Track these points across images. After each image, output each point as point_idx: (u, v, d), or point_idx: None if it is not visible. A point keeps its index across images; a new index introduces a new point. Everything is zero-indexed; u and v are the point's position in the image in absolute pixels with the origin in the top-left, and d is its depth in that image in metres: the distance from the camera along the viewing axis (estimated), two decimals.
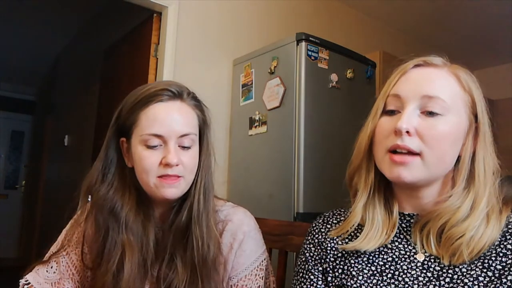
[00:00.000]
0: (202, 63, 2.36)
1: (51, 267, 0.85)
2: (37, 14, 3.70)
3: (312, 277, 0.76)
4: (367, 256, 0.71)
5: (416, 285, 0.65)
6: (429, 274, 0.65)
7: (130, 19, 2.60)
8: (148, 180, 0.80)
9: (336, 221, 0.80)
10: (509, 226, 0.65)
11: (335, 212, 0.83)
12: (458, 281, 0.63)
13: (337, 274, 0.73)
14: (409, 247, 0.70)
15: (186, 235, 0.82)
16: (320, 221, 0.82)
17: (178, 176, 0.80)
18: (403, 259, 0.69)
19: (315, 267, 0.76)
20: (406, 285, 0.66)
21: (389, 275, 0.68)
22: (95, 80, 3.22)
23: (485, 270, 0.62)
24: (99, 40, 3.35)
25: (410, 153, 0.65)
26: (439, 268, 0.65)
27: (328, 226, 0.80)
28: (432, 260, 0.67)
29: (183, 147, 0.81)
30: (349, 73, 2.14)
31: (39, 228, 4.52)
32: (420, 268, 0.67)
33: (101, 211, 0.82)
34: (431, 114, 0.66)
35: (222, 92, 2.41)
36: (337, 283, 0.73)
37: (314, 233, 0.80)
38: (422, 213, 0.70)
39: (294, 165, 1.91)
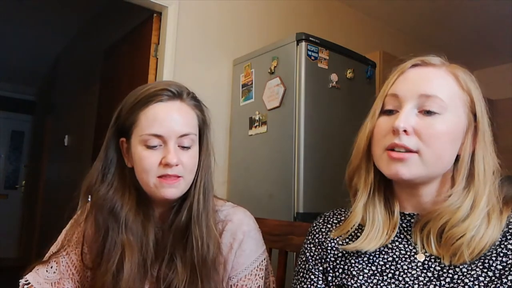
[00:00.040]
0: (202, 63, 2.36)
1: (51, 267, 0.85)
2: (37, 14, 3.71)
3: (312, 276, 0.76)
4: (367, 256, 0.71)
5: (417, 285, 0.65)
6: (429, 274, 0.65)
7: (130, 19, 2.60)
8: (148, 180, 0.80)
9: (336, 221, 0.80)
10: (510, 226, 0.65)
11: (335, 212, 0.83)
12: (459, 281, 0.63)
13: (337, 273, 0.73)
14: (410, 247, 0.70)
15: (186, 235, 0.82)
16: (321, 220, 0.82)
17: (178, 176, 0.80)
18: (403, 259, 0.69)
19: (316, 267, 0.76)
20: (407, 285, 0.66)
21: (390, 275, 0.68)
22: (95, 80, 3.22)
23: (485, 270, 0.62)
24: (99, 40, 3.35)
25: (408, 151, 0.66)
26: (439, 268, 0.65)
27: (329, 226, 0.80)
28: (433, 260, 0.67)
29: (183, 147, 0.81)
30: (349, 73, 2.14)
31: (39, 228, 4.52)
32: (421, 268, 0.67)
33: (101, 211, 0.82)
34: (428, 113, 0.66)
35: (222, 92, 2.41)
36: (337, 283, 0.73)
37: (315, 233, 0.80)
38: (422, 213, 0.70)
39: (294, 165, 1.91)
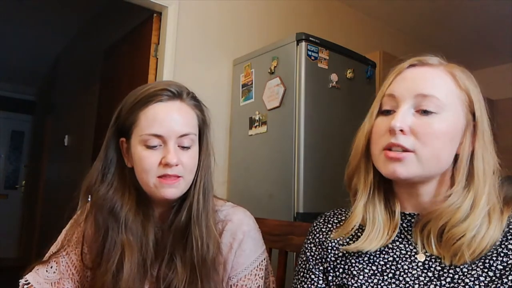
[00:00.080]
0: (202, 63, 2.36)
1: (51, 267, 0.85)
2: (37, 14, 3.71)
3: (313, 276, 0.76)
4: (368, 255, 0.71)
5: (417, 285, 0.65)
6: (430, 274, 0.65)
7: (130, 19, 2.60)
8: (148, 180, 0.80)
9: (337, 221, 0.80)
10: (511, 226, 0.65)
11: (336, 211, 0.83)
12: (459, 281, 0.63)
13: (338, 273, 0.73)
14: (410, 246, 0.70)
15: (186, 235, 0.82)
16: (321, 220, 0.82)
17: (178, 176, 0.80)
18: (404, 258, 0.69)
19: (316, 267, 0.76)
20: (407, 285, 0.66)
21: (390, 275, 0.68)
22: (95, 80, 3.22)
23: (486, 270, 0.62)
24: (99, 40, 3.35)
25: (405, 150, 0.66)
26: (440, 268, 0.65)
27: (329, 225, 0.80)
28: (433, 260, 0.67)
29: (183, 147, 0.81)
30: (349, 73, 2.14)
31: (39, 228, 4.52)
32: (421, 268, 0.67)
33: (100, 211, 0.82)
34: (425, 112, 0.66)
35: (222, 92, 2.41)
36: (338, 283, 0.73)
37: (315, 233, 0.80)
38: (423, 213, 0.70)
39: (294, 165, 1.91)
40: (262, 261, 0.88)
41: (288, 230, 1.04)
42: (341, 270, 0.73)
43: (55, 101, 4.71)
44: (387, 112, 0.71)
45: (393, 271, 0.68)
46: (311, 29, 2.16)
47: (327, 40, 2.09)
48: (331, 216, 0.82)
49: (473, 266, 0.63)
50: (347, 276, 0.71)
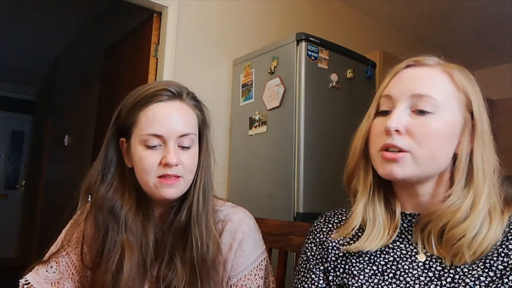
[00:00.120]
0: (202, 63, 2.36)
1: (51, 267, 0.85)
2: (37, 14, 3.71)
3: (313, 276, 0.76)
4: (368, 255, 0.71)
5: (418, 285, 0.65)
6: (430, 274, 0.65)
7: (130, 19, 2.60)
8: (148, 180, 0.80)
9: (337, 221, 0.80)
10: (511, 227, 0.65)
11: (336, 211, 0.83)
12: (460, 281, 0.63)
13: (338, 273, 0.73)
14: (411, 247, 0.70)
15: (186, 235, 0.82)
16: (322, 220, 0.82)
17: (178, 176, 0.80)
18: (404, 258, 0.69)
19: (316, 266, 0.76)
20: (408, 285, 0.66)
21: (391, 275, 0.68)
22: (95, 80, 3.22)
23: (486, 270, 0.62)
24: (99, 40, 3.36)
25: (401, 151, 0.66)
26: (440, 268, 0.65)
27: (330, 225, 0.80)
28: (434, 260, 0.66)
29: (183, 147, 0.81)
30: (349, 73, 2.14)
31: (39, 228, 4.52)
32: (422, 268, 0.67)
33: (100, 211, 0.82)
34: (421, 112, 0.66)
35: (222, 92, 2.41)
36: (338, 283, 0.72)
37: (316, 233, 0.80)
38: (423, 213, 0.70)
39: (294, 165, 1.91)
40: (262, 261, 0.87)
41: (288, 230, 1.04)
42: (341, 270, 0.73)
43: (55, 101, 4.72)
44: (385, 113, 0.71)
45: (393, 271, 0.68)
46: (311, 29, 2.16)
47: (327, 40, 2.09)
48: (332, 216, 0.82)
49: (473, 266, 0.63)
50: (347, 276, 0.71)
